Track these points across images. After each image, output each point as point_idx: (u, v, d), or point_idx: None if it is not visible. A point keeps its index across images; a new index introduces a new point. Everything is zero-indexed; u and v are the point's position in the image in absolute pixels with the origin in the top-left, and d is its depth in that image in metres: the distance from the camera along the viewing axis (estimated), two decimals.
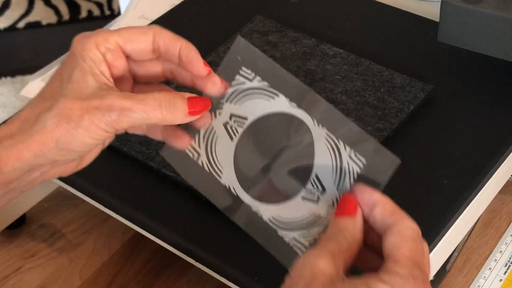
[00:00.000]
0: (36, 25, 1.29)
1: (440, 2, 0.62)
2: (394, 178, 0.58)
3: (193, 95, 0.50)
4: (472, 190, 0.57)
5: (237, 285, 0.54)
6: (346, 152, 0.47)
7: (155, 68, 0.52)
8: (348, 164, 0.47)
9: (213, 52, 0.69)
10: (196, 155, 0.51)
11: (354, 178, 0.47)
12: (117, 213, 0.59)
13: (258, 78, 0.50)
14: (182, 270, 0.63)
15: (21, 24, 1.29)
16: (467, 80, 0.66)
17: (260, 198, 0.50)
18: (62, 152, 0.48)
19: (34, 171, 0.49)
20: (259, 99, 0.50)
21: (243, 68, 0.51)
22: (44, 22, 1.29)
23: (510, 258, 0.64)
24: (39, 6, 1.31)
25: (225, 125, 0.51)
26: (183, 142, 0.51)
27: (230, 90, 0.51)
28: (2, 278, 0.64)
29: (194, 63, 0.50)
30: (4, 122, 0.64)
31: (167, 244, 0.57)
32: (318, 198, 0.48)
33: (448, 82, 0.65)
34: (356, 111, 0.63)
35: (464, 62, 0.67)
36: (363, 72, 0.66)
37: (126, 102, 0.48)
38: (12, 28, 1.28)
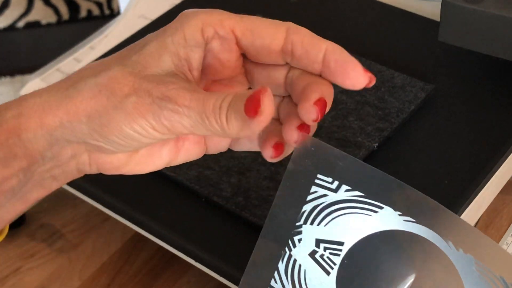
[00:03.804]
0: (35, 24, 1.29)
1: (440, 2, 0.62)
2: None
3: (257, 89, 0.36)
4: (472, 190, 0.57)
5: (237, 285, 0.54)
6: None
7: (277, 76, 0.40)
8: None
9: None
10: None
11: None
12: (117, 213, 0.59)
13: (345, 187, 0.37)
14: (182, 270, 0.63)
15: (20, 24, 1.28)
16: (467, 80, 0.65)
17: None
18: (94, 134, 0.38)
19: (63, 147, 0.39)
20: (354, 216, 0.37)
21: (320, 176, 0.37)
22: (43, 22, 1.29)
23: None
24: (38, 5, 1.30)
25: (312, 255, 0.38)
26: (266, 152, 0.39)
27: (307, 207, 0.38)
28: (2, 278, 0.64)
29: (350, 69, 0.37)
30: None
31: (167, 244, 0.57)
32: None
33: (449, 82, 0.65)
34: (357, 110, 0.62)
35: (465, 62, 0.67)
36: None
37: (186, 95, 0.36)
38: (11, 27, 1.28)
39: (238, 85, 0.41)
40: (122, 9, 0.87)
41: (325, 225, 0.37)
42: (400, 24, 0.72)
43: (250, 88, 0.42)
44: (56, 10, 1.30)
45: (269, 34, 0.39)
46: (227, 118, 0.36)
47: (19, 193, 0.41)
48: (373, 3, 0.74)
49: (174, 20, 0.40)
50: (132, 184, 0.61)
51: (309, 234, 0.38)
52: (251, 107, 0.35)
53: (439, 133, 0.61)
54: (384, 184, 0.37)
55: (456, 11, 0.61)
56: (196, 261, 0.56)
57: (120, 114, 0.37)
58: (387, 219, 0.36)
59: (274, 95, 0.40)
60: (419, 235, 0.36)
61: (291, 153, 0.39)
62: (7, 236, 0.67)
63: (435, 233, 0.35)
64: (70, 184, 0.61)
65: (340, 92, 0.64)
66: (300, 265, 0.38)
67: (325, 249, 0.37)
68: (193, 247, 0.56)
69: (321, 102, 0.37)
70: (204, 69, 0.41)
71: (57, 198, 0.70)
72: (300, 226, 0.38)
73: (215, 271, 0.55)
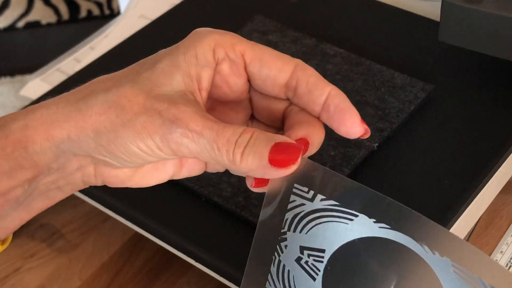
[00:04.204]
0: (35, 24, 1.29)
1: (440, 2, 0.62)
2: (394, 178, 0.58)
3: (290, 141, 0.37)
4: (472, 190, 0.57)
5: (237, 285, 0.54)
6: None
7: (277, 107, 0.40)
8: None
9: None
10: None
11: None
12: (117, 213, 0.59)
13: (320, 196, 0.38)
14: (182, 270, 0.63)
15: (20, 24, 1.28)
16: (467, 80, 0.65)
17: None
18: (101, 149, 0.38)
19: (69, 160, 0.39)
20: (331, 224, 0.38)
21: (296, 186, 0.38)
22: (43, 22, 1.29)
23: (511, 259, 0.64)
24: (38, 5, 1.30)
25: (298, 261, 0.39)
26: (249, 180, 0.40)
27: (289, 215, 0.39)
28: (2, 278, 0.64)
29: (348, 117, 0.39)
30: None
31: (167, 244, 0.57)
32: None
33: (449, 82, 0.65)
34: (357, 111, 0.62)
35: (465, 62, 0.67)
36: (363, 71, 0.66)
37: (198, 121, 0.36)
38: (11, 27, 1.28)
39: (242, 110, 0.42)
40: (122, 9, 0.87)
41: (306, 233, 0.38)
42: (400, 24, 0.72)
43: (252, 115, 0.42)
44: (56, 10, 1.30)
45: (277, 66, 0.39)
46: (242, 156, 0.37)
47: (24, 203, 0.41)
48: (373, 3, 0.74)
49: (187, 37, 0.39)
50: None
51: (293, 241, 0.38)
52: (279, 158, 0.36)
53: (439, 133, 0.61)
54: (357, 193, 0.37)
55: (456, 11, 0.61)
56: (196, 261, 0.56)
57: (128, 132, 0.37)
58: (363, 226, 0.37)
59: (270, 127, 0.41)
60: (395, 241, 0.36)
61: None
62: None
63: (410, 238, 0.36)
64: None
65: None
66: (288, 270, 0.39)
67: (308, 255, 0.38)
68: (193, 247, 0.56)
69: (302, 141, 0.38)
70: (211, 89, 0.41)
71: None
72: (285, 233, 0.39)
73: (215, 271, 0.55)
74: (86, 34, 0.81)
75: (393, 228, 0.36)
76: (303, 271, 0.39)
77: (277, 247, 0.39)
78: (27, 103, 0.68)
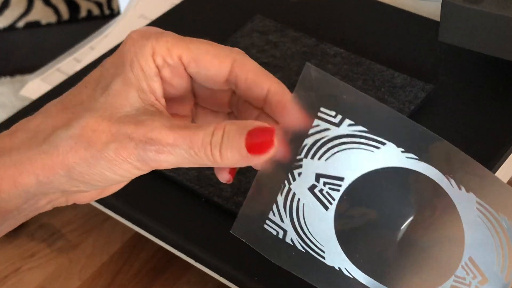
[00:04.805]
0: (35, 24, 1.29)
1: (440, 2, 0.62)
2: None
3: (262, 124, 0.36)
4: None
5: (237, 285, 0.54)
6: None
7: (222, 96, 0.41)
8: None
9: None
10: (281, 232, 0.39)
11: None
12: (117, 213, 0.59)
13: (348, 121, 0.36)
14: (182, 270, 0.63)
15: (20, 24, 1.28)
16: (467, 80, 0.65)
17: (390, 283, 0.37)
18: (74, 182, 0.38)
19: (39, 199, 0.39)
20: (356, 151, 0.36)
21: (322, 109, 0.36)
22: (43, 22, 1.29)
23: None
24: (38, 5, 1.30)
25: (312, 189, 0.38)
26: (221, 177, 0.41)
27: (308, 141, 0.37)
28: (1, 278, 0.64)
29: (291, 113, 0.37)
30: (6, 123, 0.62)
31: (167, 244, 0.57)
32: None
33: (449, 82, 0.65)
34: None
35: (465, 62, 0.67)
36: (363, 71, 0.66)
37: (168, 134, 0.36)
38: (11, 27, 1.28)
39: (186, 101, 0.41)
40: (122, 9, 0.87)
41: (326, 160, 0.37)
42: (400, 24, 0.72)
43: (196, 104, 0.42)
44: (56, 10, 1.29)
45: (214, 66, 0.38)
46: (221, 154, 0.37)
47: None
48: (373, 3, 0.74)
49: (125, 46, 0.38)
50: (132, 184, 0.60)
51: (309, 168, 0.37)
52: (256, 145, 0.36)
53: (439, 133, 0.61)
54: (389, 119, 0.36)
55: (456, 11, 0.61)
56: (196, 261, 0.56)
57: (101, 163, 0.37)
58: (389, 155, 0.35)
59: (216, 112, 0.41)
60: (421, 173, 0.35)
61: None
62: (7, 236, 0.67)
63: (437, 171, 0.35)
64: None
65: None
66: (299, 199, 0.38)
67: (324, 183, 0.37)
68: (193, 247, 0.56)
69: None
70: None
71: None
72: (301, 160, 0.37)
73: (215, 271, 0.55)
74: (86, 34, 0.81)
75: (421, 159, 0.35)
76: (316, 200, 0.37)
77: (289, 175, 0.38)
78: (27, 103, 0.68)
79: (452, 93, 0.64)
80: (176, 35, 0.39)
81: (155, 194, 0.60)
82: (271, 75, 0.39)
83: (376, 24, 0.72)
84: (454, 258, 0.35)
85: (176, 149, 0.36)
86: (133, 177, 0.39)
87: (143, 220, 0.58)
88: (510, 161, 0.60)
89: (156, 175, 0.60)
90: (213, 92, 0.40)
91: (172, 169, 0.59)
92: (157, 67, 0.38)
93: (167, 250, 0.58)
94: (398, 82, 0.64)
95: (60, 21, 1.28)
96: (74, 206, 0.70)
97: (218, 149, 0.36)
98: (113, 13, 1.30)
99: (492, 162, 0.59)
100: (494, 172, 0.59)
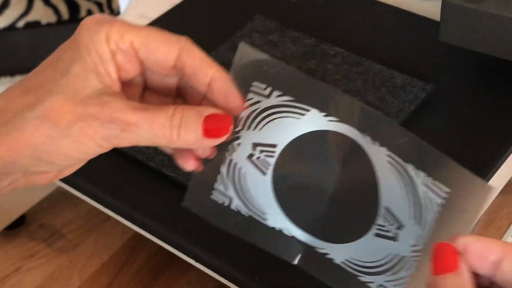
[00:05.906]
0: (35, 24, 1.29)
1: (440, 2, 0.62)
2: None
3: (217, 111, 0.40)
4: None
5: (237, 285, 0.54)
6: (420, 179, 0.38)
7: (170, 81, 0.43)
8: (425, 193, 0.38)
9: (213, 51, 0.69)
10: (226, 200, 0.43)
11: (434, 210, 0.38)
12: (117, 213, 0.59)
13: (276, 92, 0.40)
14: (182, 270, 0.63)
15: (20, 24, 1.28)
16: (467, 80, 0.65)
17: (324, 237, 0.41)
18: (38, 162, 0.39)
19: (2, 180, 0.40)
20: (285, 119, 0.40)
21: (255, 83, 0.41)
22: (43, 22, 1.29)
23: None
24: (38, 5, 1.30)
25: (250, 158, 0.41)
26: (188, 165, 0.42)
27: (244, 113, 0.41)
28: (2, 278, 0.64)
29: (231, 99, 0.40)
30: None
31: (167, 244, 0.57)
32: (396, 235, 0.39)
33: (449, 82, 0.65)
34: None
35: (465, 62, 0.67)
36: (363, 71, 0.66)
37: (132, 115, 0.38)
38: (11, 27, 1.28)
39: (136, 85, 0.43)
40: (122, 9, 0.87)
41: (260, 130, 0.41)
42: (400, 24, 0.72)
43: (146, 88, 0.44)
44: (56, 10, 1.29)
45: (162, 52, 0.40)
46: (179, 136, 0.39)
47: None
48: (373, 3, 0.74)
49: (80, 33, 0.40)
50: (132, 184, 0.61)
51: (247, 138, 0.41)
52: (212, 130, 0.39)
53: (439, 133, 0.61)
54: (311, 88, 0.39)
55: (456, 11, 0.61)
56: (196, 261, 0.56)
57: (66, 141, 0.38)
58: (314, 120, 0.39)
59: (165, 96, 0.43)
60: (342, 133, 0.39)
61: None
62: (7, 236, 0.67)
63: (355, 130, 0.38)
64: (70, 184, 0.61)
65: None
66: (240, 168, 0.42)
67: (260, 151, 0.41)
68: (193, 247, 0.56)
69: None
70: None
71: (57, 198, 0.70)
72: (239, 131, 0.41)
73: (215, 271, 0.55)
74: None
75: (341, 120, 0.39)
76: (254, 167, 0.41)
77: (229, 147, 0.41)
78: None
79: (452, 93, 0.64)
80: (128, 22, 0.41)
81: (156, 195, 0.60)
82: (215, 63, 0.41)
83: (376, 24, 0.72)
84: (373, 208, 0.39)
85: (138, 129, 0.39)
86: (95, 155, 0.40)
87: (143, 220, 0.58)
88: (510, 161, 0.60)
89: (156, 175, 0.60)
90: (161, 77, 0.42)
91: (172, 169, 0.59)
92: (111, 52, 0.40)
93: (167, 250, 0.58)
94: (398, 82, 0.64)
95: (60, 21, 1.28)
96: (74, 206, 0.70)
97: (176, 131, 0.39)
98: (113, 13, 1.30)
99: (492, 162, 0.59)
100: (494, 172, 0.59)
